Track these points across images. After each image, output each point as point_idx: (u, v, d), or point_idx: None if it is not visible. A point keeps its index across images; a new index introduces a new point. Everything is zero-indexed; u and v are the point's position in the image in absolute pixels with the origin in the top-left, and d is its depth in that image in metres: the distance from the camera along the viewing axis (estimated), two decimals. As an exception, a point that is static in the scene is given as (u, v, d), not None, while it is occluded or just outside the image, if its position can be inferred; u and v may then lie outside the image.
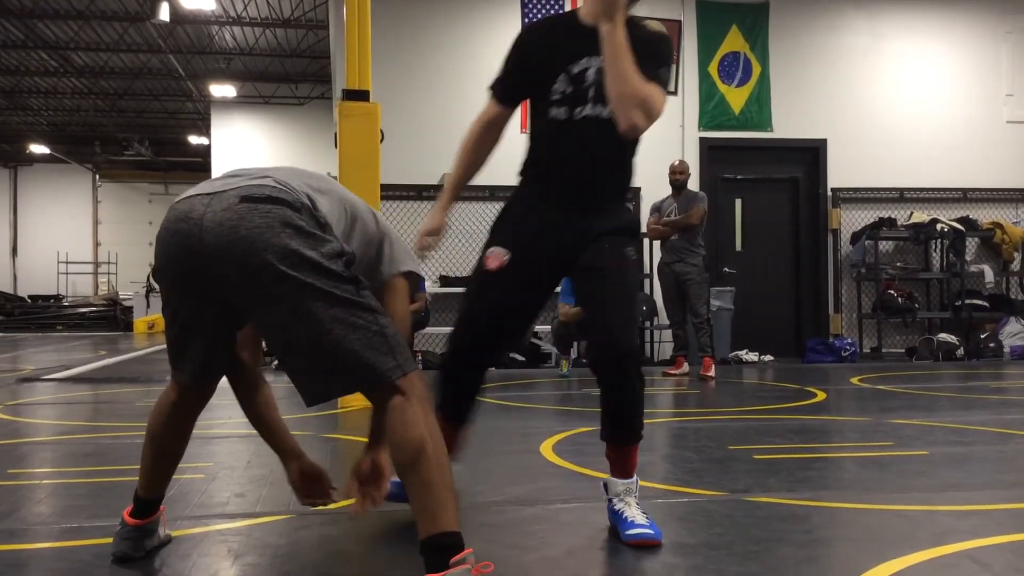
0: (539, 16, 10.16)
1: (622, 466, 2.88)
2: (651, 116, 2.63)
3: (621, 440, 2.86)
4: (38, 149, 23.20)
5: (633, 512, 2.79)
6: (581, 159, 2.82)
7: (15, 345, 14.72)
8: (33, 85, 18.63)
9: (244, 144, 18.80)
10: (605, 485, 2.91)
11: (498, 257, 2.83)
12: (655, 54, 2.77)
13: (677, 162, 8.66)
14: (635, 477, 2.89)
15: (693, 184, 9.96)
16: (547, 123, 2.85)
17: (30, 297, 23.41)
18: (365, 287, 2.22)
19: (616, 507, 2.84)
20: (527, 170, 2.97)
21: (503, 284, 2.83)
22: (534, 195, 2.93)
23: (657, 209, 8.57)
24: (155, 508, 2.59)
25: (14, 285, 24.64)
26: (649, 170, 8.56)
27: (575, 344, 8.71)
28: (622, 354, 2.74)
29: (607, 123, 2.75)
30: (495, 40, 9.97)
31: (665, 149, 10.30)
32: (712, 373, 8.02)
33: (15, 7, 13.78)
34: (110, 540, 2.58)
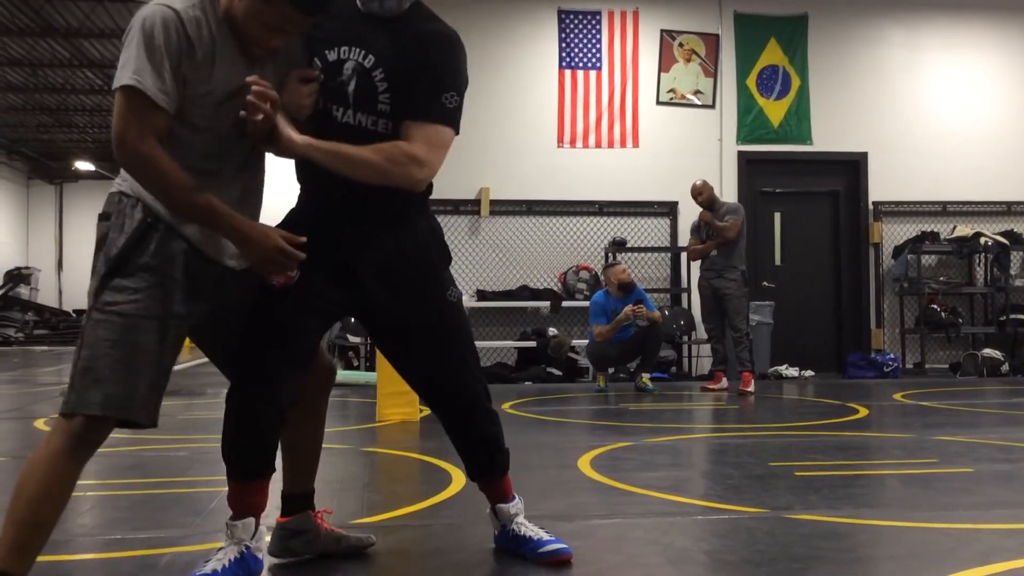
0: (575, 33, 10.16)
1: (501, 494, 2.76)
2: (429, 164, 2.34)
3: (493, 477, 2.75)
4: (83, 166, 23.59)
5: (535, 531, 2.71)
6: (341, 182, 2.34)
7: (60, 359, 14.94)
8: (79, 103, 18.97)
9: (280, 162, 18.93)
10: (494, 513, 2.77)
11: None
12: (437, 77, 2.41)
13: (697, 183, 8.38)
14: (517, 497, 2.79)
15: (731, 197, 9.90)
16: (305, 122, 2.40)
17: (75, 311, 23.76)
18: (102, 301, 2.27)
19: (516, 531, 2.72)
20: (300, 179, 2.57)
21: (290, 302, 2.42)
22: (310, 212, 2.54)
23: (696, 230, 8.50)
24: (298, 505, 2.69)
25: (59, 299, 25.01)
26: (687, 186, 8.52)
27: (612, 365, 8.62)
28: (467, 407, 2.66)
29: (370, 134, 2.38)
30: (530, 58, 10.15)
31: (704, 163, 10.27)
32: (751, 388, 7.95)
33: (61, 27, 14.07)
34: (153, 551, 2.61)
